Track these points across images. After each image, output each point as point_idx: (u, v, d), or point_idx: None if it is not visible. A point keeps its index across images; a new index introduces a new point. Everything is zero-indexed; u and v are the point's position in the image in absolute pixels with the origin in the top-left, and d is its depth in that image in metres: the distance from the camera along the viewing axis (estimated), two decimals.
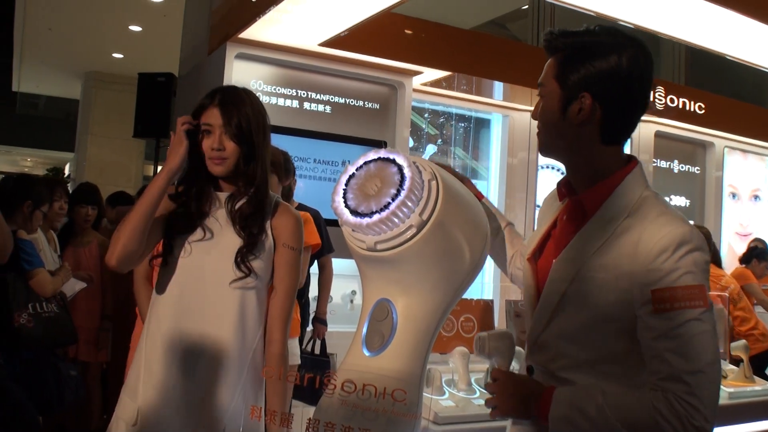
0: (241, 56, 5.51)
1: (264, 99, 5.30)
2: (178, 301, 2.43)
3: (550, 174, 7.27)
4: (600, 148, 1.93)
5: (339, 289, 5.78)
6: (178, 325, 2.42)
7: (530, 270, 2.11)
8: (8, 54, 16.61)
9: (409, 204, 1.77)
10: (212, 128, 2.44)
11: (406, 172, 1.81)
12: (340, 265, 5.29)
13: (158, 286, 2.50)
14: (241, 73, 5.52)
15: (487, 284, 6.92)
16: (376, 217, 1.78)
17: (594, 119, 1.90)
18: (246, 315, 2.42)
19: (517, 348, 3.69)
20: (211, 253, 2.43)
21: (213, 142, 2.44)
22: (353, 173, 1.91)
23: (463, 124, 7.30)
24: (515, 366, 2.32)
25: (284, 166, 4.20)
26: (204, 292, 2.42)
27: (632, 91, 1.91)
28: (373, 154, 1.93)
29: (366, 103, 6.13)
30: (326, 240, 5.00)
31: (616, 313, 1.81)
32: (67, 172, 24.29)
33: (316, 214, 4.71)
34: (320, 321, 5.15)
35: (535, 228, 2.23)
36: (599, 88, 1.89)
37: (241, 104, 2.46)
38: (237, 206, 2.48)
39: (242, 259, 2.41)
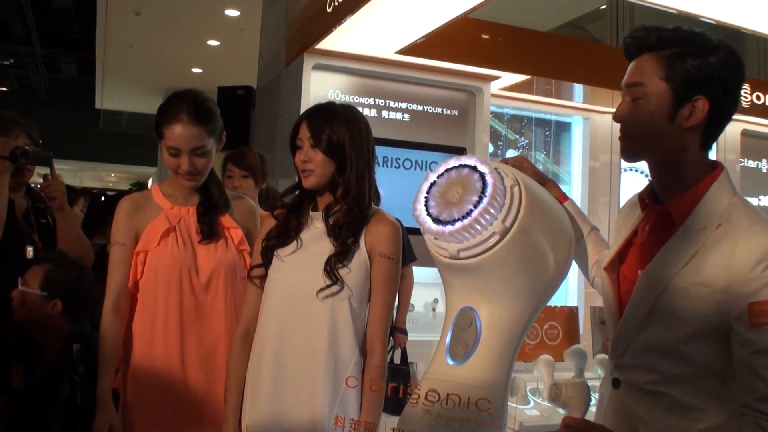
0: (318, 67, 5.56)
1: None
2: (278, 318, 2.48)
3: (634, 177, 7.13)
4: (696, 153, 1.87)
5: (421, 298, 5.78)
6: (279, 344, 2.47)
7: (609, 280, 2.05)
8: (91, 73, 17.13)
9: (492, 211, 1.76)
10: (302, 142, 2.50)
11: (488, 178, 1.80)
12: (422, 273, 5.29)
13: (263, 303, 2.56)
14: (318, 83, 5.57)
15: (571, 291, 6.83)
16: (458, 224, 1.77)
17: (702, 124, 1.84)
18: (338, 328, 2.42)
19: (600, 355, 3.64)
20: (301, 264, 2.48)
21: (301, 155, 2.49)
22: (434, 181, 1.91)
23: (543, 129, 7.24)
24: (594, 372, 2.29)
25: (261, 169, 4.42)
26: (297, 305, 2.46)
27: (737, 94, 1.86)
28: (454, 161, 1.93)
29: (444, 109, 6.12)
30: (408, 248, 5.00)
31: (711, 326, 1.75)
32: (150, 185, 24.87)
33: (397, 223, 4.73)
34: (400, 330, 5.16)
35: (612, 237, 2.17)
36: (713, 89, 1.81)
37: (331, 118, 2.49)
38: (332, 216, 2.51)
39: (331, 267, 2.42)
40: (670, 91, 1.83)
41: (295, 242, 2.52)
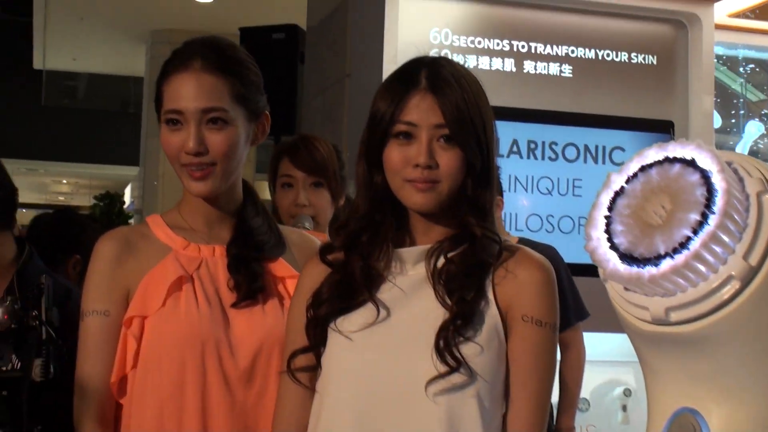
0: None
1: (455, 60, 5.34)
2: (353, 426, 2.45)
3: None
4: None
5: (602, 387, 5.76)
6: None
7: None
8: (26, 8, 17.47)
9: (725, 239, 1.74)
10: (418, 130, 2.43)
11: (717, 181, 1.79)
12: (602, 343, 5.27)
13: (318, 414, 2.51)
14: (413, 17, 5.61)
15: None
16: (666, 263, 1.76)
17: None
18: None
19: None
20: (389, 342, 2.42)
21: (419, 153, 2.41)
22: (621, 188, 1.91)
23: None
24: None
25: (338, 173, 4.21)
26: (387, 411, 2.41)
27: None
28: (654, 152, 1.91)
29: (633, 56, 6.10)
30: (572, 300, 4.98)
31: None
32: (127, 199, 25.15)
33: (551, 254, 4.70)
34: None
35: None
36: None
37: (462, 84, 2.46)
38: (450, 255, 2.46)
39: (448, 342, 2.36)
40: None
41: (370, 306, 2.46)
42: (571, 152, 5.91)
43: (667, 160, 1.87)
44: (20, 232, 5.51)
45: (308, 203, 4.06)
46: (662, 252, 1.76)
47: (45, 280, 2.80)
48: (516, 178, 5.81)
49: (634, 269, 1.79)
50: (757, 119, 7.06)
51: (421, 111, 2.42)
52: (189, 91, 2.64)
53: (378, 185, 2.49)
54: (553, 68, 5.98)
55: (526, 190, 5.85)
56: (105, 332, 2.68)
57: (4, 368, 2.68)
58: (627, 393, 5.85)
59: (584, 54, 6.02)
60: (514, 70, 5.89)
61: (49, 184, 31.38)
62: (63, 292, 3.00)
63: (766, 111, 7.09)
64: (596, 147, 5.93)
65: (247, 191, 2.86)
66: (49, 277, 2.88)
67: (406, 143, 2.42)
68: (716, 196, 1.76)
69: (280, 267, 2.81)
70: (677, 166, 1.84)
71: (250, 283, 2.72)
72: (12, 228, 3.33)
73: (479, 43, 5.81)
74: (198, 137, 2.63)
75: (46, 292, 2.79)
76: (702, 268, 1.75)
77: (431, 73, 2.45)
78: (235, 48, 2.80)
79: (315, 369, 2.50)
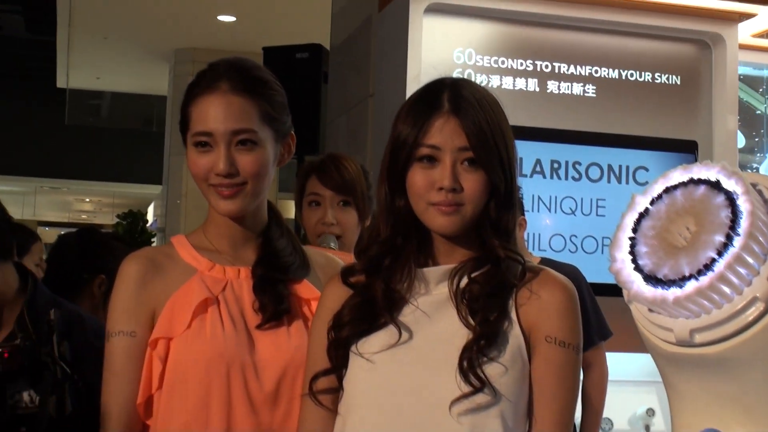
0: (434, 9, 5.60)
1: (479, 79, 5.34)
2: None
3: None
4: None
5: (625, 406, 5.74)
6: None
7: None
8: (49, 28, 17.50)
9: (750, 261, 1.74)
10: (441, 153, 2.42)
11: (742, 203, 1.78)
12: (625, 362, 5.24)
13: (339, 425, 2.50)
14: (437, 37, 5.60)
15: None
16: (690, 285, 1.75)
17: None
18: None
19: None
20: (411, 362, 2.42)
21: (443, 176, 2.40)
22: (646, 209, 1.90)
23: None
24: None
25: (366, 193, 4.12)
26: (412, 429, 2.40)
27: None
28: (678, 173, 1.91)
29: (657, 76, 6.08)
30: (595, 319, 4.96)
31: None
32: (150, 218, 25.13)
33: (573, 274, 4.69)
34: None
35: None
36: None
37: (483, 106, 2.45)
38: (472, 278, 2.45)
39: (471, 362, 2.35)
40: None
41: (391, 328, 2.46)
42: (594, 172, 5.89)
43: (691, 181, 1.87)
44: (40, 257, 5.50)
45: (335, 222, 4.01)
46: (687, 273, 1.76)
47: (54, 315, 2.73)
48: (539, 197, 5.80)
49: (659, 291, 1.78)
50: None
51: (444, 134, 2.40)
52: (218, 113, 2.63)
53: (400, 209, 2.48)
54: (577, 88, 5.96)
55: (549, 210, 5.84)
56: (131, 353, 2.66)
57: (21, 405, 2.68)
58: (650, 413, 5.81)
59: (608, 74, 6.01)
60: (537, 89, 5.87)
61: (72, 203, 31.34)
62: (73, 319, 2.96)
63: None
64: (620, 167, 5.90)
65: (272, 212, 2.84)
66: (57, 310, 2.79)
67: (430, 166, 2.41)
68: (741, 217, 1.75)
69: (305, 288, 2.78)
70: (702, 188, 1.84)
71: (276, 304, 2.69)
72: (11, 257, 3.24)
73: (503, 63, 5.79)
74: (228, 159, 2.61)
75: (57, 327, 2.72)
76: (727, 289, 1.74)
77: (453, 95, 2.44)
78: (260, 69, 2.78)
79: (337, 391, 2.49)
